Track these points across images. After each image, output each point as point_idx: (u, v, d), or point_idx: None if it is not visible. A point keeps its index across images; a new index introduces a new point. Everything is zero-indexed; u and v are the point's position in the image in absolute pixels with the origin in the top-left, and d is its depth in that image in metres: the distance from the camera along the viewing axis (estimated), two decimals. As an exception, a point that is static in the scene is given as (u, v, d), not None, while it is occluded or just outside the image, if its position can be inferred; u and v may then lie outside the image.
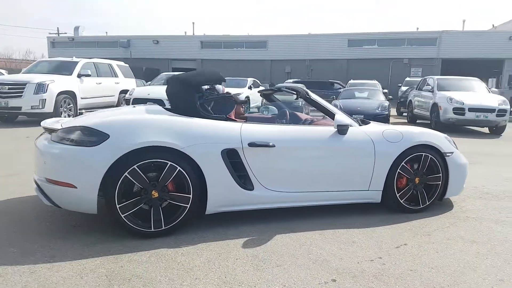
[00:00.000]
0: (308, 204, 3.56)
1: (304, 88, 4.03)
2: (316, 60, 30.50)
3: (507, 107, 10.50)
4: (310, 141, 3.52)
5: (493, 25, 33.25)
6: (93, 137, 2.98)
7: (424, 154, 3.77)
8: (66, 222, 3.41)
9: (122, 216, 3.00)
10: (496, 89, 13.81)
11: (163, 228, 3.09)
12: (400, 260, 2.81)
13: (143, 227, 3.06)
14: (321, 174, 3.55)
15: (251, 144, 3.26)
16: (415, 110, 13.26)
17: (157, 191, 3.07)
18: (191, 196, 3.12)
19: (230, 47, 32.98)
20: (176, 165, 3.05)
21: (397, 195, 3.74)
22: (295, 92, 3.93)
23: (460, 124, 11.05)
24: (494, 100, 10.66)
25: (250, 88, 16.96)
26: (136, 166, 2.98)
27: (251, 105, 17.22)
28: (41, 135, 3.52)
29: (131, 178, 2.99)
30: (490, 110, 10.38)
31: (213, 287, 2.39)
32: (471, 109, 10.43)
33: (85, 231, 3.21)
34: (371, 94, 13.03)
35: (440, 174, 3.86)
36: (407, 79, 22.61)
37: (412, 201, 3.82)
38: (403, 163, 3.72)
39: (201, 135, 3.19)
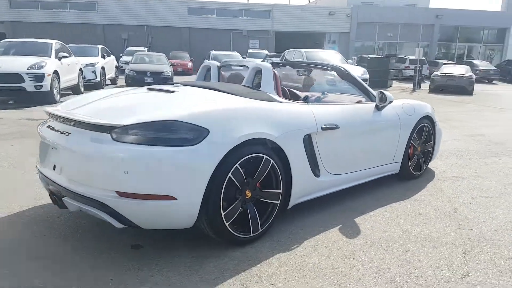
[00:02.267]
0: (354, 184, 3.57)
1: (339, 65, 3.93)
2: (156, 27, 28.95)
3: (367, 76, 12.30)
4: (362, 119, 3.51)
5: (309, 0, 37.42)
6: (191, 133, 2.32)
7: (425, 124, 4.20)
8: (119, 239, 2.60)
9: (227, 224, 2.48)
10: (351, 61, 15.89)
11: (260, 231, 2.69)
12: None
13: (244, 233, 2.60)
14: (369, 151, 3.61)
15: (324, 128, 3.07)
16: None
17: (250, 190, 2.62)
18: (281, 191, 2.78)
19: (49, 8, 28.22)
20: (269, 158, 2.66)
21: (409, 163, 4.10)
22: (330, 68, 3.81)
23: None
24: (359, 71, 12.34)
25: (103, 57, 15.11)
26: (238, 165, 2.47)
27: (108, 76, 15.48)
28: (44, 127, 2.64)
29: (233, 179, 2.47)
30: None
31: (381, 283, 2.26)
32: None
33: (171, 248, 2.53)
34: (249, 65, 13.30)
35: (432, 141, 4.38)
36: (250, 51, 23.78)
37: (416, 168, 4.25)
38: (414, 134, 4.07)
39: (287, 122, 2.84)
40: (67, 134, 2.49)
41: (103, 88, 13.86)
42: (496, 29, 32.73)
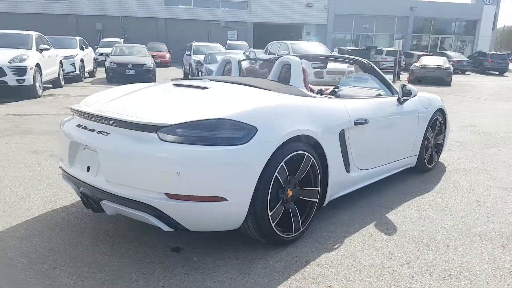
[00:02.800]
0: (378, 179, 3.55)
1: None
2: (132, 18, 28.18)
3: (352, 69, 12.35)
4: (386, 113, 3.49)
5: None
6: (240, 132, 2.22)
7: (438, 117, 4.24)
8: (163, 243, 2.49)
9: (273, 225, 2.40)
10: (335, 52, 15.92)
11: (300, 230, 2.63)
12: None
13: (287, 233, 2.54)
14: (392, 145, 3.60)
15: (356, 123, 3.03)
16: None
17: (291, 189, 2.55)
18: (319, 188, 2.72)
19: (17, -4, 26.95)
20: (310, 155, 2.59)
21: (425, 156, 4.13)
22: (353, 61, 3.76)
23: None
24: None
25: (82, 49, 14.57)
26: (283, 163, 2.39)
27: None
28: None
29: (279, 178, 2.40)
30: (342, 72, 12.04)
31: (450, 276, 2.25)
32: (329, 73, 11.84)
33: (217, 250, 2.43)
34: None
35: (443, 134, 4.43)
36: (229, 42, 23.51)
37: (430, 161, 4.28)
38: (429, 127, 4.09)
39: (325, 117, 2.79)
40: (105, 133, 2.34)
41: (82, 81, 13.40)
42: (467, 21, 33.65)
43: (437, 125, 4.28)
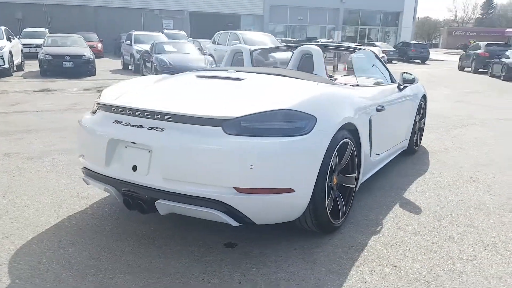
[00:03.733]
0: (386, 162, 3.73)
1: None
2: (56, 6, 26.09)
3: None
4: (394, 100, 3.66)
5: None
6: (301, 122, 2.21)
7: (422, 102, 4.54)
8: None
9: (328, 213, 2.45)
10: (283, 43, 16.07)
11: (345, 216, 2.70)
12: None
13: (336, 221, 2.59)
14: (396, 130, 3.80)
15: (377, 109, 3.16)
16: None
17: (336, 176, 2.61)
18: (356, 175, 2.81)
19: None
20: (352, 143, 2.67)
21: (413, 140, 4.42)
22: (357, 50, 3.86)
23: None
24: (289, 54, 12.64)
25: (9, 39, 13.27)
26: (336, 151, 2.44)
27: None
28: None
29: (333, 167, 2.44)
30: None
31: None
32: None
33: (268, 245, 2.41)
34: (182, 47, 12.77)
35: (424, 118, 4.76)
36: (165, 31, 22.78)
37: (416, 144, 4.58)
38: (417, 112, 4.38)
39: (359, 105, 2.88)
40: (159, 129, 2.20)
41: (12, 75, 12.19)
42: (391, 13, 35.88)
43: (422, 109, 4.58)
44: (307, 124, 2.22)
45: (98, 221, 2.76)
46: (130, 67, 15.43)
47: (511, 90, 11.88)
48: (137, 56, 14.42)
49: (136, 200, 2.31)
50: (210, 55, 13.53)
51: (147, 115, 2.26)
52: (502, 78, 14.60)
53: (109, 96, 2.64)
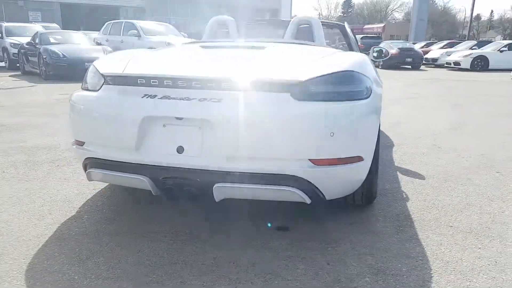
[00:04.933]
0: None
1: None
2: None
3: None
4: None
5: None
6: (363, 84, 2.04)
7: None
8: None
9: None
10: (185, 34, 15.23)
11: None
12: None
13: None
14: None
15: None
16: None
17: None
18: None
19: None
20: None
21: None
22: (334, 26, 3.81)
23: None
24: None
25: None
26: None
27: None
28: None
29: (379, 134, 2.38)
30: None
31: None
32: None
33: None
34: (70, 38, 11.36)
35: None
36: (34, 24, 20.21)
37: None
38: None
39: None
40: (215, 100, 1.83)
41: None
42: (271, 10, 37.48)
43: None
44: (367, 87, 2.08)
45: (108, 222, 2.22)
46: (2, 63, 13.24)
47: (391, 75, 13.38)
48: (13, 50, 12.45)
49: (184, 187, 1.91)
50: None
51: (195, 84, 1.86)
52: (380, 67, 16.39)
53: (115, 67, 2.12)
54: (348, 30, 3.84)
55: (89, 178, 2.17)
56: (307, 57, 2.28)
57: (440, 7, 59.38)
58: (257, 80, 1.85)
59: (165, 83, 1.90)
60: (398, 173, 3.20)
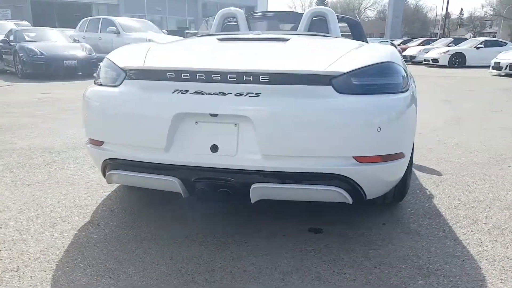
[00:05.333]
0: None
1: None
2: None
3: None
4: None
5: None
6: (401, 76, 1.93)
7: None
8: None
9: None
10: (165, 31, 14.80)
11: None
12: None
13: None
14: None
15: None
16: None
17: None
18: None
19: None
20: None
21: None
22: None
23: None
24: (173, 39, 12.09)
25: None
26: None
27: None
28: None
29: None
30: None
31: None
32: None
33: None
34: (46, 35, 10.90)
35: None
36: (1, 22, 19.35)
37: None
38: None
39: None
40: (253, 95, 1.70)
41: None
42: (246, 6, 37.30)
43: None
44: (404, 79, 1.99)
45: (128, 228, 2.06)
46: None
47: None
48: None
49: (219, 189, 1.78)
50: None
51: (231, 77, 1.73)
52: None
53: (135, 61, 1.96)
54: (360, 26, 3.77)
55: (109, 181, 2.00)
56: (339, 48, 2.17)
57: (412, 6, 60.74)
58: (297, 72, 1.73)
59: (197, 77, 1.76)
60: (413, 169, 3.15)
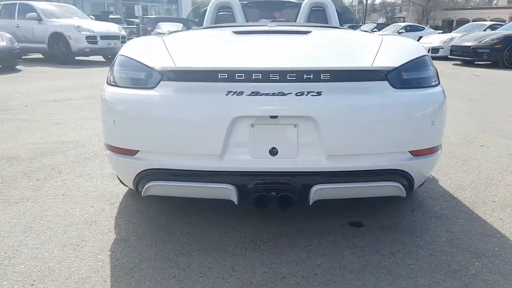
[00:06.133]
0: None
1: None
2: None
3: (124, 33, 11.46)
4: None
5: None
6: (433, 70, 2.00)
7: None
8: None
9: None
10: (92, 16, 13.49)
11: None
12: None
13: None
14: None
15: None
16: None
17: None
18: None
19: None
20: None
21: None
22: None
23: (94, 54, 10.89)
24: (114, 26, 11.32)
25: None
26: None
27: None
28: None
29: None
30: (116, 37, 11.00)
31: None
32: (103, 37, 10.59)
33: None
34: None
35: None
36: None
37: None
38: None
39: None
40: (314, 93, 1.64)
41: None
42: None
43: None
44: (434, 72, 2.06)
45: (165, 242, 1.90)
46: None
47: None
48: None
49: (279, 193, 1.71)
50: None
51: (290, 76, 1.65)
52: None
53: (169, 60, 1.79)
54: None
55: (147, 193, 1.82)
56: (368, 42, 2.16)
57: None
58: (356, 68, 1.71)
59: (254, 77, 1.66)
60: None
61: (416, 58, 1.86)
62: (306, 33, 2.25)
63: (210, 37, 2.23)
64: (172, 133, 1.69)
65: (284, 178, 1.71)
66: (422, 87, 1.83)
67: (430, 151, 1.86)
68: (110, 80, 1.89)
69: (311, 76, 1.66)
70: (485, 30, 14.08)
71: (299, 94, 1.66)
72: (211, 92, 1.67)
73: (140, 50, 1.95)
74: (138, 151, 1.77)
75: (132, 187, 1.93)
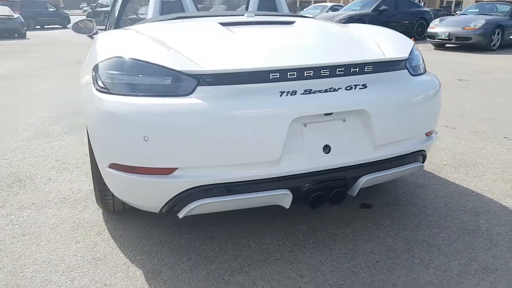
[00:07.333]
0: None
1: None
2: None
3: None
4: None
5: None
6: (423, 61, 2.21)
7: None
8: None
9: None
10: None
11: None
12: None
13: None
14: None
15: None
16: None
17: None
18: None
19: None
20: None
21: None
22: None
23: None
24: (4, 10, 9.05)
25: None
26: None
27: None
28: None
29: None
30: None
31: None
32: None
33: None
34: None
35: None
36: None
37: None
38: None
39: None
40: (361, 86, 1.67)
41: None
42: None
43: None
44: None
45: (209, 258, 1.70)
46: None
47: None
48: None
49: (334, 190, 1.70)
50: None
51: (339, 71, 1.62)
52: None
53: (198, 61, 1.55)
54: None
55: (190, 213, 1.59)
56: (360, 33, 2.16)
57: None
58: (386, 60, 1.76)
59: (305, 74, 1.57)
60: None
61: (412, 48, 2.02)
62: (289, 24, 2.18)
63: (207, 31, 1.96)
64: (222, 143, 1.49)
65: (338, 174, 1.69)
66: (422, 74, 2.00)
67: (433, 131, 2.07)
68: (116, 89, 1.54)
69: (357, 70, 1.66)
70: (327, 12, 15.69)
71: (348, 88, 1.65)
72: (263, 94, 1.52)
73: (146, 50, 1.64)
74: (176, 168, 1.52)
75: (155, 211, 1.66)
